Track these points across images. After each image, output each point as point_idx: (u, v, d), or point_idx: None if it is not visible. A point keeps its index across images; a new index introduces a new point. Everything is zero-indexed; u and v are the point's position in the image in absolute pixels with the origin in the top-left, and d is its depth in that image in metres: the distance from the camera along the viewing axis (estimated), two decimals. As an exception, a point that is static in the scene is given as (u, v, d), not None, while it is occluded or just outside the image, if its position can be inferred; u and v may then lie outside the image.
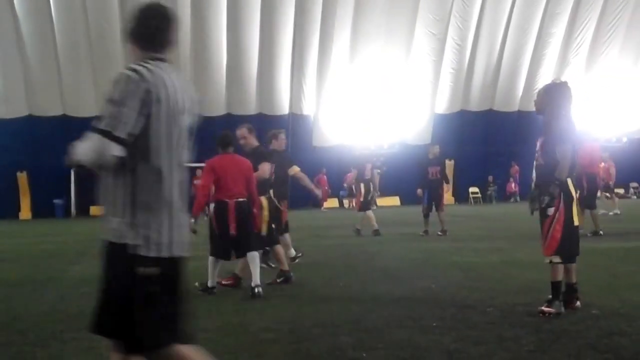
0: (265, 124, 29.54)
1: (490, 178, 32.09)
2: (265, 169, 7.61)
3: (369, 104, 30.28)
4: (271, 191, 8.24)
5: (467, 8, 30.17)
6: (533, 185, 6.02)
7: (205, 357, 2.82)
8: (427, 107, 31.43)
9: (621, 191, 34.03)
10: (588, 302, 5.60)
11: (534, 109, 5.88)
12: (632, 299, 5.75)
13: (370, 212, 14.18)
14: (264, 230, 7.44)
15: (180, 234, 2.74)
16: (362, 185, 14.19)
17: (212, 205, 6.94)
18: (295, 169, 9.04)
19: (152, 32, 2.74)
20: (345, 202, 29.37)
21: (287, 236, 9.11)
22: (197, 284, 6.85)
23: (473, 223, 17.26)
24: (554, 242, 5.27)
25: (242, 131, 7.82)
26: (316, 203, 26.01)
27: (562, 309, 5.21)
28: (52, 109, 27.33)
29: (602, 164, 16.04)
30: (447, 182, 14.97)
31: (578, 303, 5.43)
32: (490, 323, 4.98)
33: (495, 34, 31.02)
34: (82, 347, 4.58)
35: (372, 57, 29.71)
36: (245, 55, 28.68)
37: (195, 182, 7.15)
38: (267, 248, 8.02)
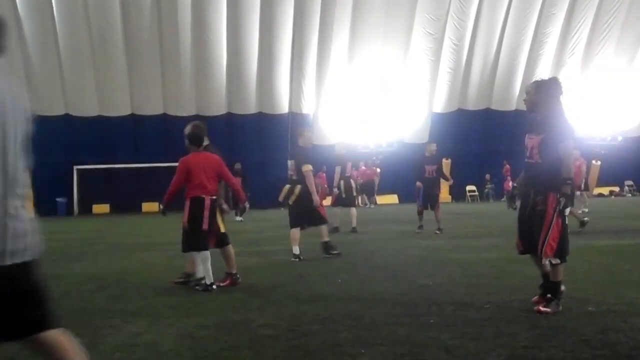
0: (265, 122, 29.75)
1: (488, 176, 32.16)
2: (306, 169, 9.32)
3: (367, 103, 30.35)
4: (298, 186, 9.28)
5: (464, 8, 30.28)
6: (514, 184, 6.00)
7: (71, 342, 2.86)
8: (425, 106, 31.51)
9: (616, 189, 34.21)
10: (584, 298, 5.66)
11: (529, 107, 5.79)
12: (628, 296, 5.80)
13: (354, 210, 14.65)
14: (222, 229, 7.27)
15: (15, 243, 2.55)
16: (341, 182, 14.53)
17: (187, 202, 6.93)
18: (306, 167, 9.32)
19: None
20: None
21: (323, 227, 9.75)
22: (196, 286, 6.87)
23: (470, 221, 17.31)
24: (554, 243, 5.26)
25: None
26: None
27: (560, 308, 5.22)
28: (54, 108, 27.34)
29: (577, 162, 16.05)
30: (448, 180, 15.02)
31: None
32: (488, 319, 5.01)
33: (492, 34, 31.12)
34: (86, 343, 4.61)
35: (370, 56, 29.78)
36: (245, 55, 28.72)
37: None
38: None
